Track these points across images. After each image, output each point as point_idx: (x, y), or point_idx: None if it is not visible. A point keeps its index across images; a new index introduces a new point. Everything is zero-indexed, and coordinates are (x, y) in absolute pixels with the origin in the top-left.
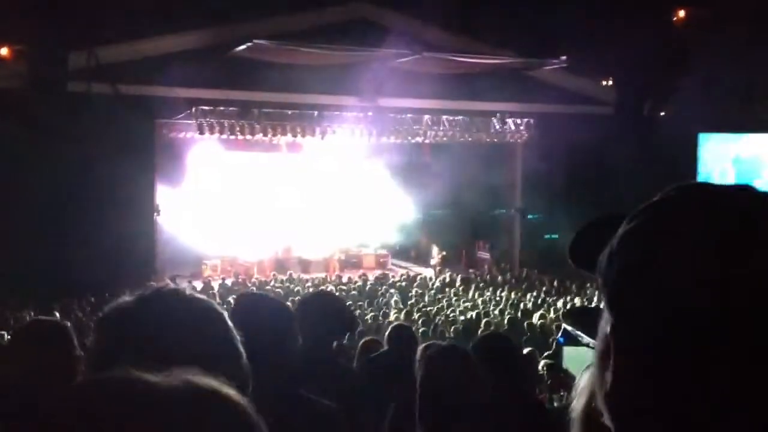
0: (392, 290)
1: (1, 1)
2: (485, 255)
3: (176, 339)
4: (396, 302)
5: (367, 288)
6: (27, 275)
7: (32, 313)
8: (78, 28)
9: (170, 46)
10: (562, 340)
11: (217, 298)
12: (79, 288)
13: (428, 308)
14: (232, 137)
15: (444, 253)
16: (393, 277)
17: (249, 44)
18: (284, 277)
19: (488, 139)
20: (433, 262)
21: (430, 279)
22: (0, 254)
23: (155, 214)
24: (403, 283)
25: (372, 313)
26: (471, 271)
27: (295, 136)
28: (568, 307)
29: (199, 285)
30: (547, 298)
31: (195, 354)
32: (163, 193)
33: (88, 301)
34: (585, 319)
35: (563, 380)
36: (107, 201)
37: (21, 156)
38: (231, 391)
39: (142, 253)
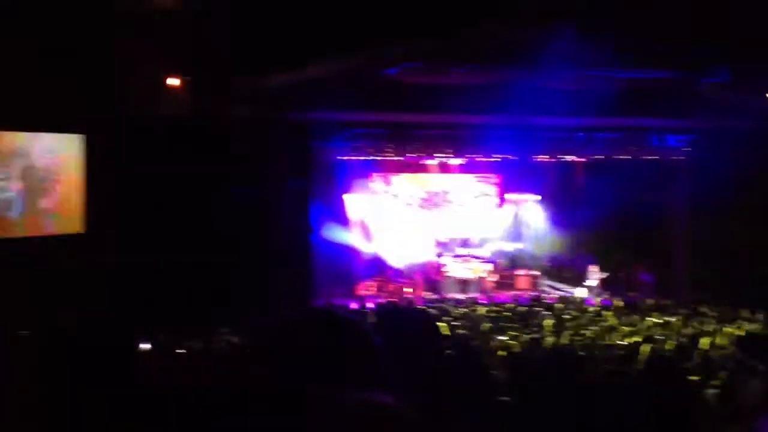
0: (546, 312)
1: (171, 34)
2: (647, 278)
3: (330, 354)
4: (551, 324)
5: (520, 309)
6: (189, 293)
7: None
8: (239, 56)
9: (324, 71)
10: None
11: (371, 317)
12: (238, 306)
13: (586, 331)
14: (385, 158)
15: (605, 274)
16: (547, 298)
17: (400, 66)
18: (436, 297)
19: (647, 157)
20: (591, 283)
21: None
22: (166, 272)
23: (310, 233)
24: (559, 305)
25: (528, 336)
26: (631, 294)
27: (445, 156)
28: (742, 333)
29: (353, 304)
30: (718, 324)
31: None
32: (318, 213)
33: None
34: (759, 347)
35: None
36: (264, 220)
37: (188, 178)
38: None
39: (297, 272)
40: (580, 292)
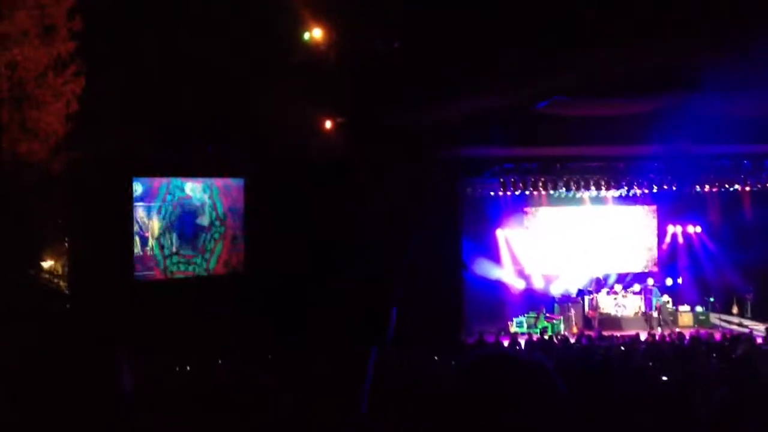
0: (713, 354)
1: (324, 78)
2: None
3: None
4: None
5: (680, 348)
6: (343, 328)
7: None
8: (390, 94)
9: (472, 107)
10: None
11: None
12: (388, 342)
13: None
14: (535, 193)
15: None
16: (712, 336)
17: (551, 100)
18: (592, 334)
19: None
20: None
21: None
22: (318, 310)
23: (462, 269)
24: (726, 344)
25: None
26: None
27: (599, 189)
28: None
29: (506, 341)
30: None
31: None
32: (469, 250)
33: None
34: None
35: None
36: (415, 256)
37: (341, 215)
38: None
39: (448, 308)
40: (762, 328)
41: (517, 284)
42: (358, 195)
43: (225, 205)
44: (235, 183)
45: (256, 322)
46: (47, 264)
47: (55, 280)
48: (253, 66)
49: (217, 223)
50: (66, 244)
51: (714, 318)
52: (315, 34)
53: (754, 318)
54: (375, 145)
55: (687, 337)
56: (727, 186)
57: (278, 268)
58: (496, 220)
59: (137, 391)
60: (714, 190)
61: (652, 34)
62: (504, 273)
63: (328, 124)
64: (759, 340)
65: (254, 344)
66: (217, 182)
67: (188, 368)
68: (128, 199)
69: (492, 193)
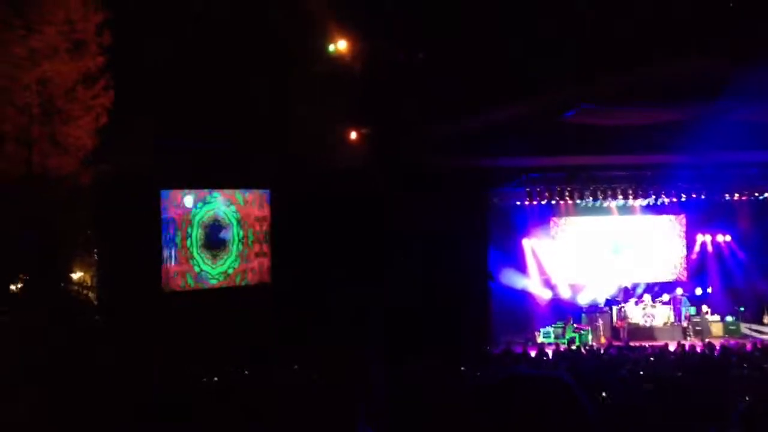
0: (744, 364)
1: (350, 89)
2: None
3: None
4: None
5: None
6: (370, 336)
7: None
8: (413, 105)
9: (498, 117)
10: None
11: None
12: (416, 353)
13: None
14: (562, 202)
15: None
16: (744, 347)
17: (577, 109)
18: (620, 344)
19: None
20: None
21: None
22: (345, 318)
23: (489, 280)
24: (757, 354)
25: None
26: None
27: (626, 198)
28: None
29: (533, 352)
30: None
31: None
32: (496, 259)
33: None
34: None
35: None
36: (442, 267)
37: (367, 226)
38: None
39: (475, 318)
40: None
41: (544, 294)
42: (383, 206)
43: (251, 216)
44: (261, 194)
45: (282, 330)
46: (77, 276)
47: (85, 292)
48: (278, 77)
49: (242, 234)
50: (95, 256)
51: (744, 328)
52: (340, 45)
53: None
54: (401, 156)
55: (717, 348)
56: (756, 194)
57: (304, 277)
58: (523, 230)
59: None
60: (743, 198)
61: (681, 46)
62: (531, 283)
63: (353, 135)
64: None
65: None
66: (244, 193)
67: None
68: (156, 211)
69: (518, 203)
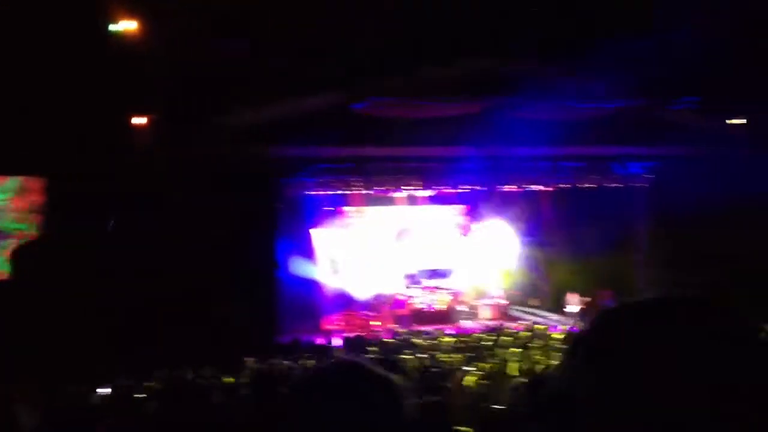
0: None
1: (136, 75)
2: (610, 304)
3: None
4: (513, 353)
5: (486, 339)
6: (152, 332)
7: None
8: (205, 94)
9: (290, 108)
10: None
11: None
12: (202, 343)
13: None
14: (352, 192)
15: (587, 298)
16: (510, 327)
17: (367, 102)
18: (403, 330)
19: (610, 185)
20: (570, 309)
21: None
22: (125, 314)
23: (276, 268)
24: (525, 333)
25: (489, 364)
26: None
27: (413, 189)
28: None
29: (319, 339)
30: None
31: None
32: (286, 249)
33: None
34: None
35: None
36: (230, 258)
37: (152, 218)
38: None
39: (263, 309)
40: (556, 320)
41: (332, 282)
42: (171, 197)
43: (22, 206)
44: (33, 182)
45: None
46: None
47: None
48: (56, 57)
49: (10, 225)
50: None
51: (515, 310)
52: (128, 26)
53: (550, 310)
54: (190, 145)
55: (491, 328)
56: (529, 186)
57: (64, 274)
58: (313, 219)
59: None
60: (517, 190)
61: (470, 45)
62: (320, 272)
63: (140, 122)
64: (555, 329)
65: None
66: (17, 181)
67: None
68: None
69: (308, 193)
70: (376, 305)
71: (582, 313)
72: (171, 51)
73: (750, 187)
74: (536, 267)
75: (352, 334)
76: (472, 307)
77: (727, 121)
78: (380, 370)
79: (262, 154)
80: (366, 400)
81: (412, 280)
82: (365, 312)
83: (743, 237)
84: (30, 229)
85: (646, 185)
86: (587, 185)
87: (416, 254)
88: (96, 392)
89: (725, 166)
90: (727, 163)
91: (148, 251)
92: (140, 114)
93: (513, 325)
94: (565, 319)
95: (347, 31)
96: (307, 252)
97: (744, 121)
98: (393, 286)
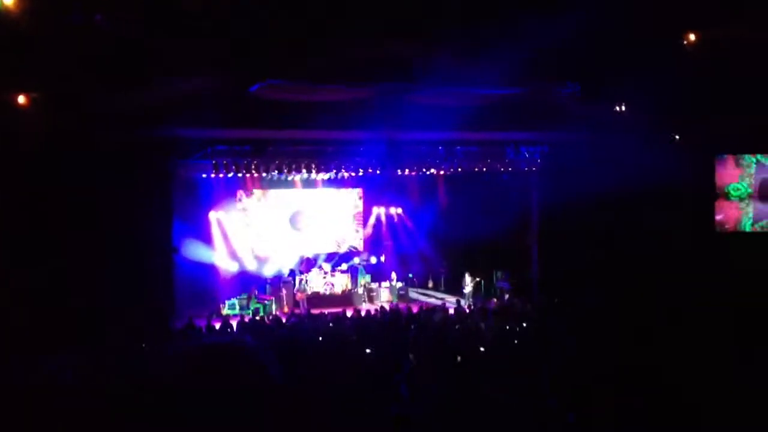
0: (411, 324)
1: (21, 49)
2: (504, 284)
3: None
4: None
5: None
6: (46, 316)
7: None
8: (97, 72)
9: (186, 88)
10: None
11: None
12: (98, 326)
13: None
14: (249, 175)
15: (478, 279)
16: (411, 309)
17: (264, 84)
18: (301, 312)
19: (502, 169)
20: (466, 290)
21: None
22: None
23: (173, 252)
24: (423, 315)
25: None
26: (494, 301)
27: (309, 172)
28: None
29: (217, 324)
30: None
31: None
32: (181, 232)
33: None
34: None
35: None
36: (124, 241)
37: (46, 199)
38: None
39: (158, 294)
40: (453, 300)
41: (230, 266)
42: (64, 178)
43: None
44: None
45: None
46: None
47: None
48: None
49: None
50: None
51: (413, 292)
52: (6, 1)
53: (447, 291)
54: (82, 124)
55: (388, 311)
56: (425, 170)
57: None
58: (210, 202)
59: None
60: (414, 173)
61: (367, 27)
62: (216, 255)
63: (21, 99)
64: (451, 311)
65: None
66: None
67: None
68: None
69: (204, 175)
70: (273, 289)
71: (474, 293)
72: (54, 29)
73: (634, 171)
74: (432, 250)
75: (247, 318)
76: (370, 290)
77: (614, 108)
78: (251, 344)
79: (155, 136)
80: (235, 373)
81: (310, 263)
82: (263, 295)
83: (627, 218)
84: None
85: (537, 170)
86: (482, 170)
87: (314, 237)
88: None
89: (611, 151)
90: (613, 148)
91: (27, 235)
92: (21, 92)
93: (415, 307)
94: (461, 299)
95: (235, 10)
96: (205, 235)
97: (623, 107)
98: (290, 269)
